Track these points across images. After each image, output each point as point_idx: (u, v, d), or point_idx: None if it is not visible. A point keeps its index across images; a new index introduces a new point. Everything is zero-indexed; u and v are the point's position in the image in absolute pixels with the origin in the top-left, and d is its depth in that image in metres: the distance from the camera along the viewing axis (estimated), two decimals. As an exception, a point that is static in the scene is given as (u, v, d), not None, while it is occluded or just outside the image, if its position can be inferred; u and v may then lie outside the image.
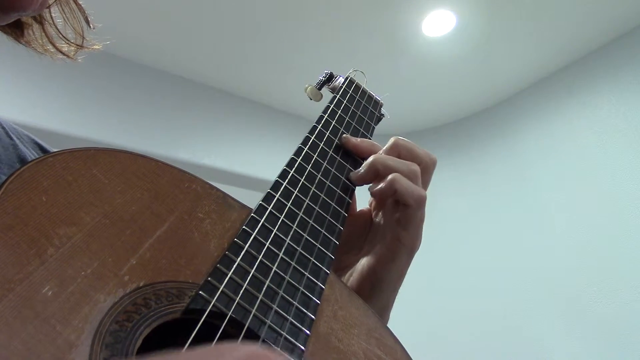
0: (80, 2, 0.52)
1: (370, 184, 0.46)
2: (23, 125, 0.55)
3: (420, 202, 0.42)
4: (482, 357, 2.23)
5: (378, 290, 0.44)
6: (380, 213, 0.48)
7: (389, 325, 0.40)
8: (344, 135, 0.50)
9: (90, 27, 0.54)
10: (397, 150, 0.46)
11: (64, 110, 2.09)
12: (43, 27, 0.51)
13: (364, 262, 0.46)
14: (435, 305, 2.47)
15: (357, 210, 0.50)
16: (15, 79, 1.98)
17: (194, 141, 2.38)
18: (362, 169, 0.46)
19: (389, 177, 0.43)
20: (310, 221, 0.40)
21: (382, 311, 0.45)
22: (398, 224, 0.43)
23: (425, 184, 0.46)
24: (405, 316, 1.82)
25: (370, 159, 0.45)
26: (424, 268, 2.39)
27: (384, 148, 0.47)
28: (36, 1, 0.43)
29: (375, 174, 0.45)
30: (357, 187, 0.48)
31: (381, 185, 0.43)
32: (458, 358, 2.29)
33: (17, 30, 0.50)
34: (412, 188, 0.42)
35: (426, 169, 0.46)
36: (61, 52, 0.53)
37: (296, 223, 0.39)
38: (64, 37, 0.52)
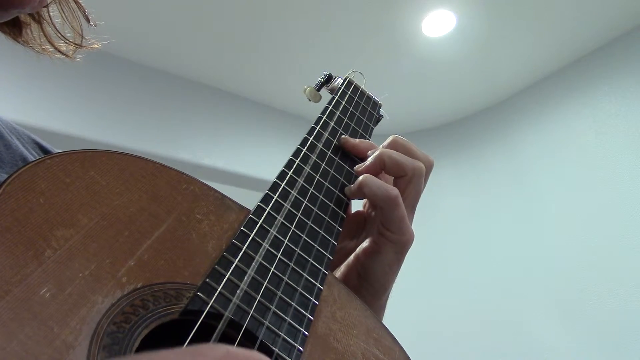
0: (80, 0, 0.52)
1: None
2: (22, 125, 0.55)
3: (390, 202, 0.41)
4: (482, 357, 2.23)
5: (367, 284, 0.44)
6: (371, 213, 0.48)
7: (388, 323, 0.40)
8: (343, 136, 0.50)
9: (90, 24, 0.53)
10: (394, 149, 0.46)
11: (64, 110, 2.09)
12: (41, 26, 0.51)
13: (352, 255, 0.46)
14: (435, 305, 2.47)
15: (353, 211, 0.50)
16: (14, 78, 1.98)
17: (194, 141, 2.38)
18: (354, 186, 0.45)
19: (358, 179, 0.44)
20: (309, 222, 0.40)
21: (376, 311, 0.45)
22: (381, 223, 0.43)
23: (422, 186, 0.46)
24: (405, 315, 1.82)
25: (361, 178, 0.44)
26: (424, 267, 2.40)
27: (382, 144, 0.47)
28: None
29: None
30: None
31: (352, 187, 0.44)
32: (458, 358, 2.29)
33: (15, 29, 0.49)
34: (380, 190, 0.42)
35: (421, 172, 0.46)
36: (60, 51, 0.53)
37: (294, 224, 0.39)
38: (62, 36, 0.52)
